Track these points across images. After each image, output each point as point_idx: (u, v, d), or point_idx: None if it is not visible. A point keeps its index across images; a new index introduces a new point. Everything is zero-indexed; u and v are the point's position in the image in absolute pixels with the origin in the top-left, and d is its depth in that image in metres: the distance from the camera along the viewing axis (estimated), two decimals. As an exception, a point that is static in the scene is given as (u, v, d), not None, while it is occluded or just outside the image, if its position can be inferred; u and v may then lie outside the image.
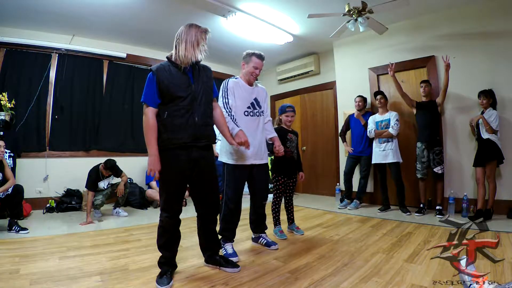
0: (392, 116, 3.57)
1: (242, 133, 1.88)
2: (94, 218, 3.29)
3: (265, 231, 2.39)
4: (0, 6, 3.21)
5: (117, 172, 3.50)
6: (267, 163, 2.29)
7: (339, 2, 3.14)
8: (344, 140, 4.11)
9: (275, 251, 2.21)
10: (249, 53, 2.16)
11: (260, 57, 2.15)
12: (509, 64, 3.11)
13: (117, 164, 3.47)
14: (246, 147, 1.87)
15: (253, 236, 2.43)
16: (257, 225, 2.36)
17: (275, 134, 2.35)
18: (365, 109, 3.99)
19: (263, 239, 2.34)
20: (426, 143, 3.33)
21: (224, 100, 2.06)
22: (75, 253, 2.16)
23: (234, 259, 1.96)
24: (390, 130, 3.50)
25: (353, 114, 3.99)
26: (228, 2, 3.31)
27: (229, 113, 1.99)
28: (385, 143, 3.56)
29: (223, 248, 2.06)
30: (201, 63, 1.73)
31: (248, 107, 2.15)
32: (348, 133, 4.14)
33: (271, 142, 2.35)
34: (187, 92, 1.62)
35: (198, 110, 1.64)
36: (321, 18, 3.31)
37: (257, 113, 2.19)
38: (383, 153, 3.56)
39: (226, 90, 2.09)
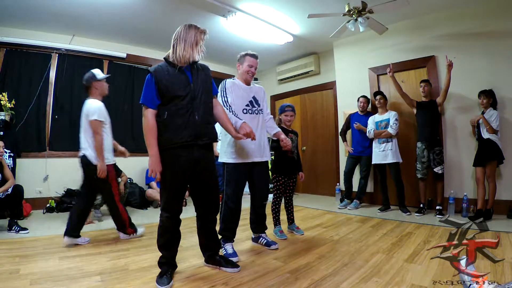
0: (391, 115, 3.57)
1: (245, 124, 1.88)
2: (94, 218, 3.29)
3: (265, 231, 2.40)
4: (0, 6, 3.21)
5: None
6: (267, 162, 2.29)
7: (339, 2, 3.15)
8: (344, 140, 4.10)
9: (275, 251, 2.21)
10: (242, 54, 2.20)
11: (254, 55, 2.18)
12: (509, 64, 3.11)
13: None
14: (252, 138, 1.86)
15: (253, 236, 2.43)
16: (257, 225, 2.37)
17: (279, 129, 2.37)
18: (367, 110, 3.99)
19: (263, 239, 2.34)
20: (426, 143, 3.33)
21: (223, 99, 2.07)
22: (75, 253, 2.16)
23: (234, 259, 1.96)
24: (389, 129, 3.50)
25: (354, 113, 4.01)
26: (228, 2, 3.31)
27: (230, 110, 2.01)
28: (385, 143, 3.56)
29: (223, 248, 2.06)
30: (200, 62, 1.74)
31: (247, 105, 2.17)
32: (348, 133, 4.14)
33: (275, 138, 2.35)
34: (186, 91, 1.62)
35: (198, 109, 1.64)
36: (321, 18, 3.31)
37: (256, 111, 2.20)
38: (383, 153, 3.56)
39: (224, 89, 2.11)
